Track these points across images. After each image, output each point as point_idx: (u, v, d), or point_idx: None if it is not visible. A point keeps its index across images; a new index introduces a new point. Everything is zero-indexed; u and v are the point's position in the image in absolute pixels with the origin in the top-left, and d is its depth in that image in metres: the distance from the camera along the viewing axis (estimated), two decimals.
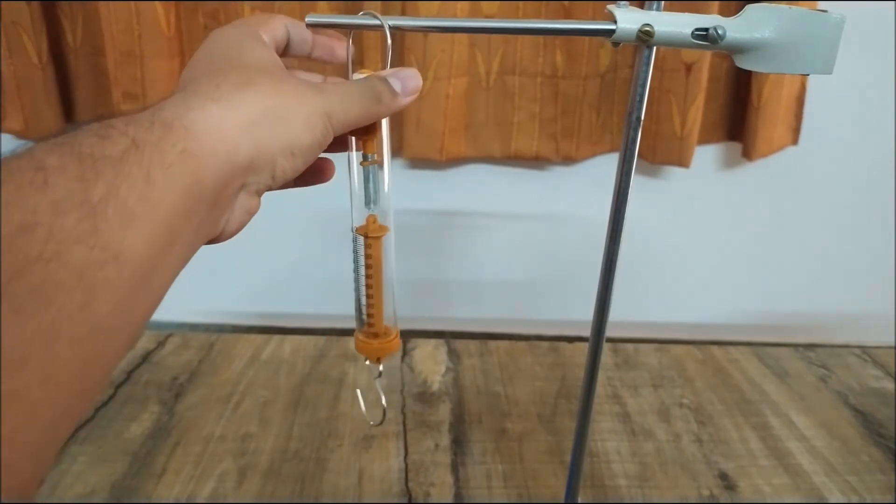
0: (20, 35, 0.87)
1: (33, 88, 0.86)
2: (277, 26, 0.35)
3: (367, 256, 0.41)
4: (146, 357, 0.77)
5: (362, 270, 0.41)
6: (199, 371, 0.75)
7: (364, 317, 0.42)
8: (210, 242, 0.31)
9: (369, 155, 0.38)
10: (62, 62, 0.90)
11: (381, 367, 0.45)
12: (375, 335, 0.43)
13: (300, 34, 0.37)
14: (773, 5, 0.31)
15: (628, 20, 0.32)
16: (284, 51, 0.37)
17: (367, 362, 0.44)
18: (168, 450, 0.62)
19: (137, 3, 0.80)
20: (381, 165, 0.39)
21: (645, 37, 0.32)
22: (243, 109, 0.29)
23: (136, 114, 0.27)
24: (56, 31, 0.89)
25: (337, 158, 0.40)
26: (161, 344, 0.80)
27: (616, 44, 0.33)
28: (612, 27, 0.32)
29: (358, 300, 0.42)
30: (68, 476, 0.59)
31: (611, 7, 0.33)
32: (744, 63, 0.33)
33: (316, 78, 0.38)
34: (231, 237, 0.32)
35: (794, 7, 0.31)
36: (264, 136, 0.29)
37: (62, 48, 0.90)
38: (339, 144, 0.36)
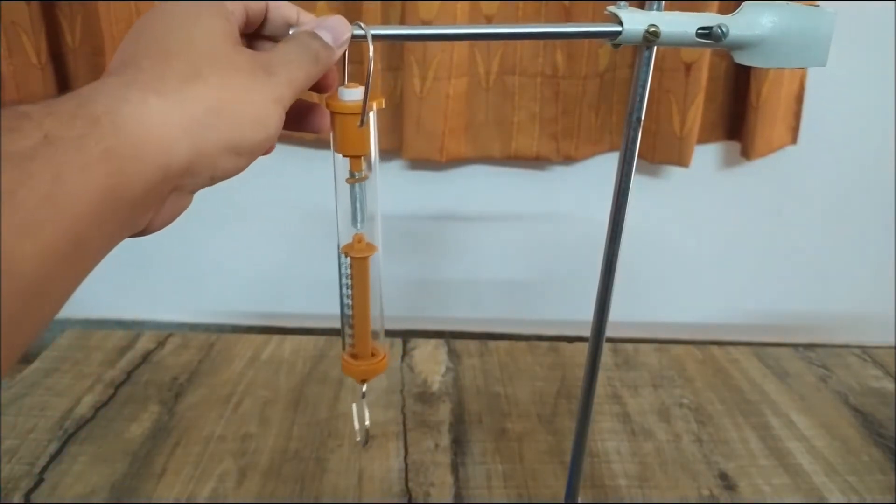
0: (20, 35, 0.87)
1: (33, 88, 0.86)
2: (236, 7, 0.31)
3: (351, 277, 0.39)
4: (146, 357, 0.77)
5: (347, 291, 0.40)
6: (199, 371, 0.75)
7: (348, 337, 0.42)
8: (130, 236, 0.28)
9: (356, 172, 0.37)
10: (62, 62, 0.90)
11: (364, 388, 0.44)
12: (358, 356, 0.41)
13: (280, 16, 0.33)
14: (770, 2, 0.32)
15: (634, 21, 0.32)
16: (258, 30, 0.33)
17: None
18: (168, 450, 0.62)
19: (137, 3, 0.80)
20: (367, 177, 0.37)
21: (651, 37, 0.32)
22: (188, 106, 0.26)
23: (60, 98, 0.24)
24: (55, 31, 0.89)
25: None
26: (161, 344, 0.80)
27: (617, 45, 0.33)
28: (619, 29, 0.32)
29: (343, 320, 0.41)
30: (68, 476, 0.59)
31: (611, 8, 0.33)
32: (743, 59, 0.33)
33: (265, 46, 0.34)
34: (155, 232, 0.29)
35: (789, 3, 0.32)
36: (207, 137, 0.26)
37: (62, 48, 0.90)
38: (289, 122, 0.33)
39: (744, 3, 0.32)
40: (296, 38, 0.32)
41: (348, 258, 0.39)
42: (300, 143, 1.11)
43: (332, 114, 0.35)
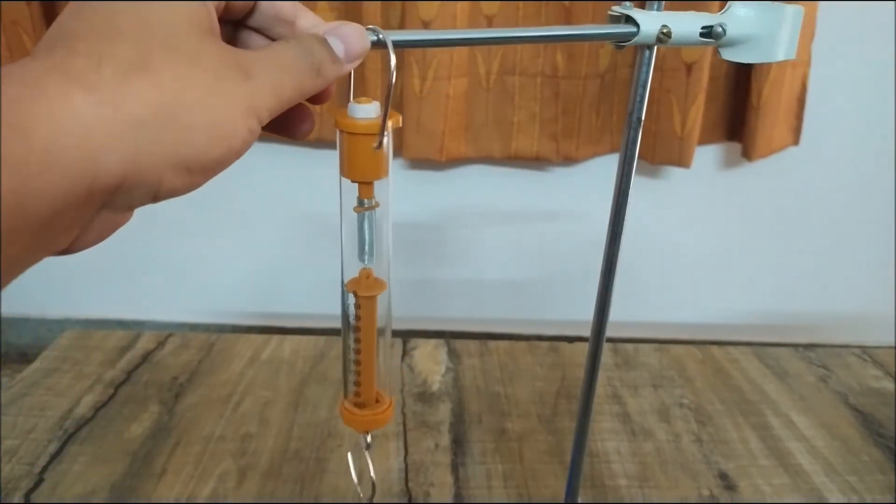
0: (20, 35, 0.87)
1: None
2: None
3: (357, 318, 0.35)
4: (146, 357, 0.77)
5: (351, 333, 0.36)
6: (199, 371, 0.75)
7: (351, 384, 0.37)
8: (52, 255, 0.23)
9: (365, 200, 0.32)
10: None
11: (369, 439, 0.39)
12: (363, 405, 0.37)
13: (271, 9, 0.28)
14: (754, 1, 0.34)
15: (649, 22, 0.32)
16: (243, 20, 0.28)
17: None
18: (168, 450, 0.62)
19: None
20: (377, 207, 0.32)
21: (664, 38, 0.32)
22: (125, 107, 0.20)
23: None
24: None
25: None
26: (161, 344, 0.80)
27: (621, 46, 0.33)
28: (634, 30, 0.32)
29: (346, 364, 0.37)
30: (68, 476, 0.59)
31: (617, 9, 0.33)
32: (730, 55, 0.35)
33: (258, 42, 0.28)
34: (84, 250, 0.24)
35: (769, 2, 0.34)
36: (148, 148, 0.21)
37: None
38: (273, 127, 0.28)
39: (730, 3, 0.34)
40: (297, 40, 0.26)
41: (354, 296, 0.34)
42: (300, 143, 1.11)
43: (342, 133, 0.30)
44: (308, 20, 0.28)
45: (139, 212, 0.24)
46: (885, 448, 0.66)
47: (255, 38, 0.28)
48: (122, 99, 0.20)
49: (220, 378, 0.73)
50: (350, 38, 0.27)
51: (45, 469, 0.59)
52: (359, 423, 0.37)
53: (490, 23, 1.01)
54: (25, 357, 1.33)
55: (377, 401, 0.37)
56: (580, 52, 1.02)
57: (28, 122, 0.19)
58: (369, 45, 0.27)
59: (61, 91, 0.20)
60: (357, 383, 0.37)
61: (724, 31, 0.33)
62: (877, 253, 1.24)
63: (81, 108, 0.20)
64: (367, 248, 0.33)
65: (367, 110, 0.30)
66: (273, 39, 0.28)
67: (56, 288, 1.28)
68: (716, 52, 0.35)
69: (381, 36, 0.27)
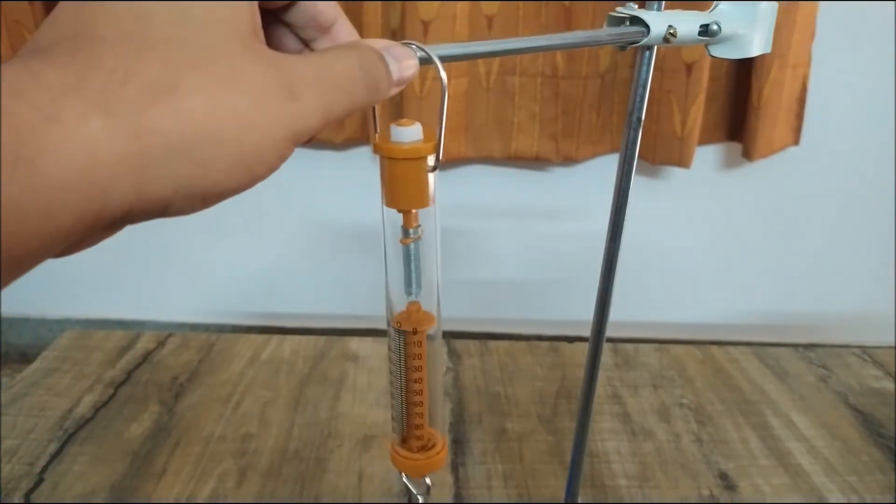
0: (22, 34, 0.87)
1: None
2: None
3: (414, 357, 0.33)
4: (146, 357, 0.77)
5: (402, 373, 0.33)
6: (199, 371, 0.75)
7: (405, 426, 0.35)
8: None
9: (410, 230, 0.30)
10: None
11: (428, 482, 0.36)
12: (422, 448, 0.35)
13: (312, 9, 0.25)
14: (738, 0, 0.35)
15: (657, 23, 0.32)
16: (277, 13, 0.25)
17: (405, 478, 0.36)
18: (168, 450, 0.62)
19: None
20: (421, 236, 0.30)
21: (671, 38, 0.33)
22: (146, 137, 0.18)
23: None
24: None
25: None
26: (161, 344, 0.80)
27: (624, 47, 0.33)
28: (644, 31, 0.32)
29: (400, 407, 0.34)
30: (68, 476, 0.59)
31: (621, 9, 0.33)
32: (718, 52, 0.36)
33: (289, 41, 0.26)
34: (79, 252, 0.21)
35: (752, 1, 0.35)
36: (163, 178, 0.19)
37: None
38: None
39: (716, 2, 0.35)
40: (357, 53, 0.23)
41: (402, 332, 0.32)
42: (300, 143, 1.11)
43: (384, 160, 0.28)
44: (345, 28, 0.26)
45: None
46: (885, 448, 0.66)
47: (287, 36, 0.26)
48: (143, 128, 0.18)
49: (220, 378, 0.73)
50: (403, 60, 0.25)
51: (45, 469, 0.59)
52: (417, 468, 0.35)
53: (490, 23, 1.01)
54: (25, 357, 1.33)
55: (429, 440, 0.35)
56: (580, 52, 1.02)
57: (36, 152, 0.16)
58: (418, 69, 0.26)
59: (79, 114, 0.17)
60: (418, 426, 0.34)
61: (719, 28, 0.34)
62: (877, 253, 1.24)
63: (97, 137, 0.17)
64: (413, 279, 0.31)
65: (411, 133, 0.28)
66: (304, 40, 0.26)
67: (56, 288, 1.28)
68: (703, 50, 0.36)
69: (427, 53, 0.26)
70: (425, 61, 0.26)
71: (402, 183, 0.29)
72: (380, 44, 0.25)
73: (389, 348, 0.33)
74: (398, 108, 1.01)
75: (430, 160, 0.28)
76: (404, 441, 0.35)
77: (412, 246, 0.30)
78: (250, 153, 0.20)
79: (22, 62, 0.17)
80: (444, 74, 0.26)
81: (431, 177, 0.29)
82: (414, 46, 0.26)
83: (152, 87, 0.18)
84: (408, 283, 0.31)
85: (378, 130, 0.29)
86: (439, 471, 0.61)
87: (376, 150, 0.28)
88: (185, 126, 0.18)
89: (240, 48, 0.20)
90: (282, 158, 0.21)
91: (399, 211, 0.30)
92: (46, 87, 0.17)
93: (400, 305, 0.33)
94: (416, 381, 0.33)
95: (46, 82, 0.17)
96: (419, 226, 0.30)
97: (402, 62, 0.25)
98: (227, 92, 0.19)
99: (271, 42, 0.25)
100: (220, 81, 0.19)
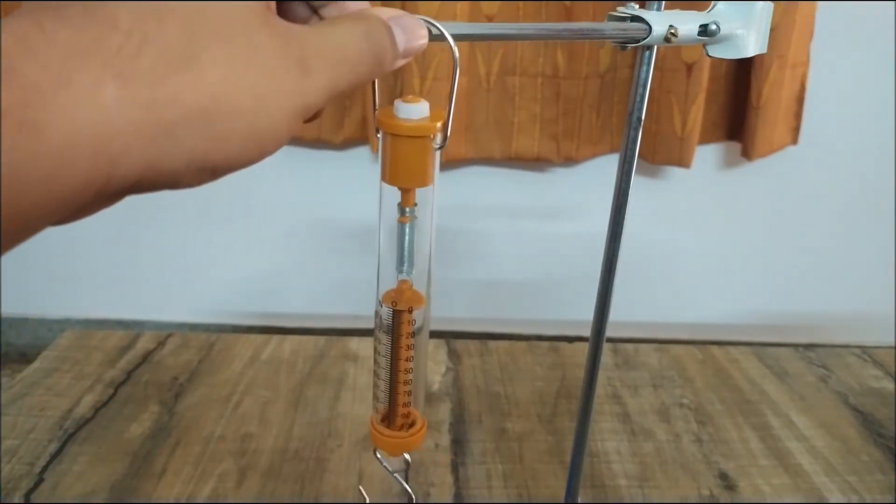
0: None
1: None
2: None
3: (402, 335, 0.33)
4: (146, 357, 0.77)
5: (390, 351, 0.33)
6: (199, 371, 0.75)
7: (388, 405, 0.35)
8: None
9: (407, 209, 0.30)
10: None
11: (408, 457, 0.37)
12: (402, 426, 0.35)
13: None
14: (736, 1, 0.35)
15: (658, 22, 0.33)
16: None
17: (377, 454, 0.37)
18: (168, 450, 0.62)
19: None
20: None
21: (672, 37, 0.33)
22: (160, 108, 0.17)
23: None
24: None
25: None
26: (161, 344, 0.80)
27: (624, 47, 0.34)
28: (645, 28, 0.33)
29: (388, 387, 0.34)
30: (68, 476, 0.59)
31: (622, 9, 0.33)
32: (715, 52, 0.36)
33: (298, 9, 0.26)
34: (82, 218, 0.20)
35: (748, 2, 0.35)
36: (174, 151, 0.18)
37: None
38: None
39: (714, 2, 0.35)
40: (364, 24, 0.23)
41: (390, 311, 0.32)
42: (300, 143, 1.11)
43: (386, 135, 0.28)
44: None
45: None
46: (885, 448, 0.66)
47: (297, 5, 0.26)
48: (156, 99, 0.17)
49: (220, 378, 0.73)
50: (412, 31, 0.24)
51: (45, 469, 0.59)
52: (397, 446, 0.36)
53: (490, 22, 1.01)
54: (25, 357, 1.33)
55: (407, 418, 0.36)
56: (580, 52, 1.02)
57: (44, 117, 0.15)
58: (426, 41, 0.25)
59: (91, 80, 0.16)
60: (405, 404, 0.35)
61: (718, 28, 0.34)
62: (877, 253, 1.24)
63: (109, 105, 0.16)
64: (406, 257, 0.31)
65: (417, 110, 0.27)
66: (311, 4, 0.26)
67: (56, 288, 1.28)
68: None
69: (439, 29, 0.25)
70: (438, 38, 0.25)
71: (406, 160, 0.28)
72: (388, 13, 0.24)
73: (378, 328, 0.33)
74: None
75: (438, 139, 0.28)
76: (387, 419, 0.35)
77: (407, 225, 0.30)
78: (264, 127, 0.20)
79: (31, 17, 0.16)
80: (456, 51, 0.25)
81: (436, 156, 0.29)
82: (429, 23, 0.25)
83: (171, 56, 0.17)
84: (400, 262, 0.32)
85: (377, 106, 0.29)
86: (437, 469, 0.61)
87: (381, 125, 0.28)
88: (204, 98, 0.18)
89: (257, 21, 0.20)
90: (291, 132, 0.21)
91: (399, 188, 0.30)
92: (58, 46, 0.16)
93: (391, 283, 0.33)
94: (406, 360, 0.33)
95: (58, 41, 0.16)
96: (416, 205, 0.30)
97: (411, 34, 0.24)
98: (246, 65, 0.19)
99: (279, 6, 0.25)
100: (240, 54, 0.19)
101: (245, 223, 1.21)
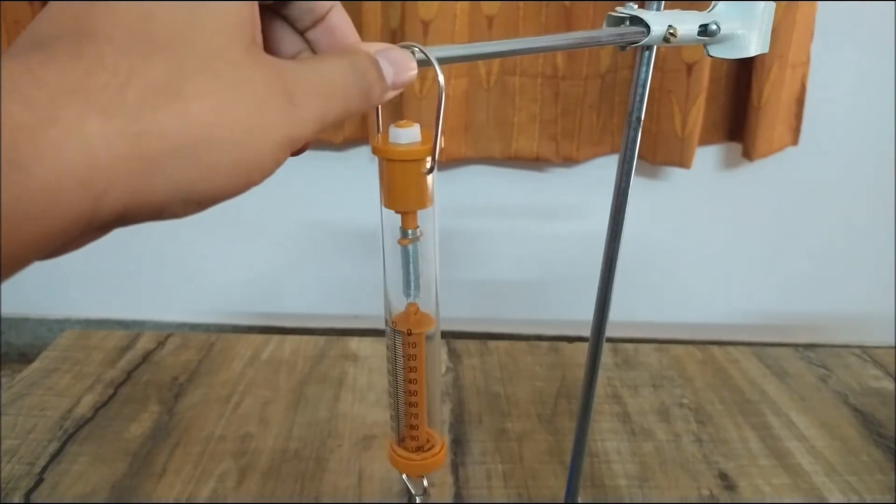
0: None
1: None
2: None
3: (409, 357, 0.33)
4: (146, 357, 0.77)
5: (402, 373, 0.33)
6: (199, 371, 0.75)
7: (402, 426, 0.35)
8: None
9: (409, 231, 0.30)
10: None
11: (425, 483, 0.36)
12: (419, 448, 0.35)
13: (312, 6, 0.25)
14: (737, 1, 0.35)
15: (657, 23, 0.33)
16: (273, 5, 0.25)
17: (405, 477, 0.36)
18: (168, 450, 0.62)
19: None
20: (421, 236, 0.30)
21: (671, 38, 0.33)
22: (145, 141, 0.17)
23: None
24: None
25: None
26: (161, 344, 0.80)
27: (624, 47, 0.34)
28: (644, 30, 0.32)
29: (396, 407, 0.35)
30: (68, 476, 0.59)
31: (621, 10, 0.33)
32: (716, 52, 0.36)
33: (292, 43, 0.26)
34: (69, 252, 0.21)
35: (750, 1, 0.35)
36: (160, 183, 0.18)
37: None
38: None
39: (715, 2, 0.35)
40: (350, 60, 0.23)
41: (399, 334, 0.32)
42: None
43: (383, 161, 0.28)
44: (341, 17, 0.26)
45: None
46: (885, 448, 0.66)
47: (283, 29, 0.26)
48: (142, 132, 0.17)
49: (220, 378, 0.73)
50: (401, 64, 0.25)
51: (45, 469, 0.59)
52: (415, 468, 0.35)
53: (490, 23, 1.01)
54: (25, 357, 1.33)
55: (427, 441, 0.35)
56: (580, 52, 1.02)
57: (31, 157, 0.16)
58: (416, 72, 0.25)
59: (77, 115, 0.16)
60: (413, 426, 0.34)
61: (718, 28, 0.34)
62: (877, 253, 1.24)
63: (95, 140, 0.17)
64: (412, 281, 0.31)
65: (409, 134, 0.28)
66: (299, 32, 0.26)
67: (56, 288, 1.28)
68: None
69: (425, 54, 0.26)
70: (424, 63, 0.26)
71: (401, 184, 0.29)
72: (376, 47, 0.25)
73: (387, 348, 0.34)
74: (397, 109, 1.01)
75: (428, 162, 0.28)
76: (402, 441, 0.36)
77: (411, 247, 0.30)
78: (251, 158, 0.20)
79: (19, 59, 0.17)
80: (441, 78, 0.26)
81: (430, 178, 0.29)
82: (414, 49, 0.26)
83: (156, 89, 0.18)
84: (406, 285, 0.31)
85: (381, 131, 0.29)
86: (439, 470, 0.61)
87: (375, 151, 0.28)
88: (190, 130, 0.18)
89: (243, 52, 0.20)
90: (278, 164, 0.21)
91: (397, 212, 0.30)
92: (46, 87, 0.16)
93: (398, 305, 0.33)
94: (411, 382, 0.33)
95: (46, 82, 0.16)
96: (418, 227, 0.30)
97: (399, 67, 0.25)
98: (233, 97, 0.19)
99: (267, 35, 0.25)
100: (226, 86, 0.19)
101: (245, 223, 1.21)
